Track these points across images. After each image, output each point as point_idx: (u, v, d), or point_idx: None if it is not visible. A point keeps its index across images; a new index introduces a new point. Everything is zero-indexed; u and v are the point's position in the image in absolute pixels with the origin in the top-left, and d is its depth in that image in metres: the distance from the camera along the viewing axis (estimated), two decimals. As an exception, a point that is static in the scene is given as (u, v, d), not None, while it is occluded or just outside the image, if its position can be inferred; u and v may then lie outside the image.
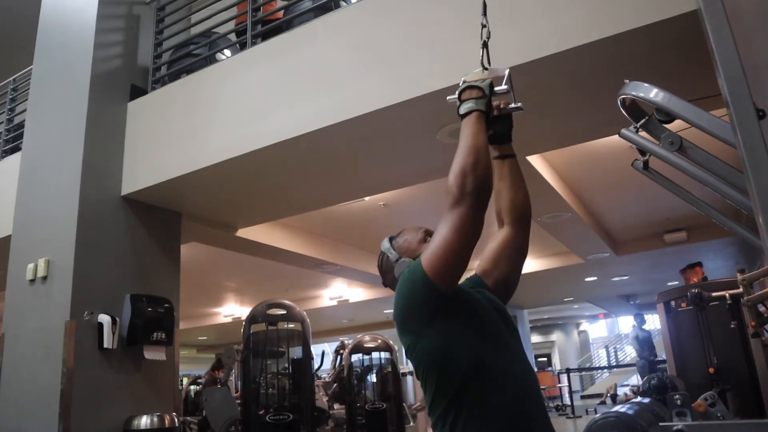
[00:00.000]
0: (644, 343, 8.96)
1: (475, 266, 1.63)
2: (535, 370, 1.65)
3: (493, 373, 1.33)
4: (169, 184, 3.73)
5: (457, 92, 1.46)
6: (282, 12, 3.71)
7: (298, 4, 3.58)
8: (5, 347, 3.63)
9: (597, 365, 21.11)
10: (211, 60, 3.86)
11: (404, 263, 1.51)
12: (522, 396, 1.35)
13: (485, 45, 1.59)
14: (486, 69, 1.54)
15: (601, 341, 22.86)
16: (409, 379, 8.79)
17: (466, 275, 1.53)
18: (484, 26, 1.59)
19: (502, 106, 1.53)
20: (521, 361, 1.41)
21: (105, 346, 3.42)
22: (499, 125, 1.54)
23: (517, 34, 2.55)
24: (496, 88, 1.44)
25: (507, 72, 1.51)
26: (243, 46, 3.68)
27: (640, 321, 9.32)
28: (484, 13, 1.61)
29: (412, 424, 7.51)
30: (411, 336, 1.39)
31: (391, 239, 1.61)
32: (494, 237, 1.61)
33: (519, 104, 1.52)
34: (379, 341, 6.60)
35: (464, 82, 1.47)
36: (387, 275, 1.59)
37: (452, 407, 1.31)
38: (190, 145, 3.63)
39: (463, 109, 1.41)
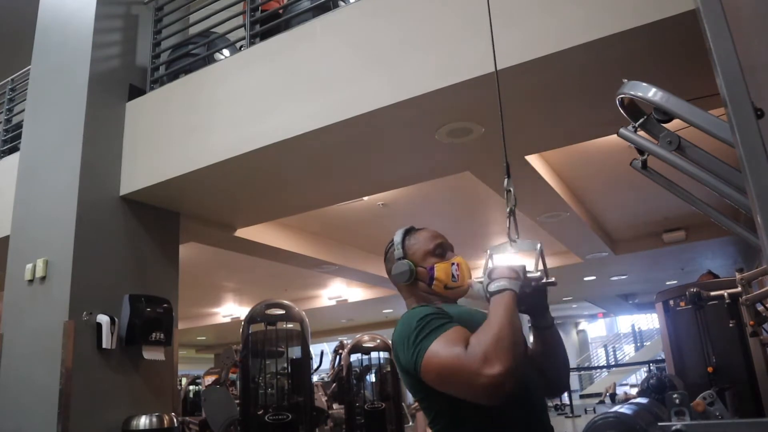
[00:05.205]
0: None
1: None
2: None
3: (493, 410, 1.26)
4: (168, 184, 3.73)
5: (485, 273, 1.32)
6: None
7: (296, 4, 3.58)
8: (4, 348, 3.63)
9: (596, 365, 21.17)
10: (209, 60, 3.86)
11: (402, 265, 1.47)
12: (527, 420, 1.31)
13: (512, 213, 1.41)
14: (514, 242, 1.39)
15: (600, 340, 22.93)
16: (408, 378, 8.77)
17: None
18: (508, 191, 1.41)
19: (533, 284, 1.36)
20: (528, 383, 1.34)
21: (104, 346, 3.42)
22: (532, 298, 1.37)
23: (516, 33, 2.55)
24: (529, 274, 1.30)
25: (539, 246, 1.33)
26: (241, 46, 3.68)
27: None
28: (508, 175, 1.43)
29: (411, 423, 7.51)
30: (403, 373, 1.34)
31: (407, 232, 1.53)
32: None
33: (552, 279, 1.34)
34: (378, 341, 6.60)
35: (491, 256, 1.33)
36: (387, 264, 1.55)
37: (451, 426, 1.30)
38: (189, 145, 3.62)
39: (493, 287, 1.27)
